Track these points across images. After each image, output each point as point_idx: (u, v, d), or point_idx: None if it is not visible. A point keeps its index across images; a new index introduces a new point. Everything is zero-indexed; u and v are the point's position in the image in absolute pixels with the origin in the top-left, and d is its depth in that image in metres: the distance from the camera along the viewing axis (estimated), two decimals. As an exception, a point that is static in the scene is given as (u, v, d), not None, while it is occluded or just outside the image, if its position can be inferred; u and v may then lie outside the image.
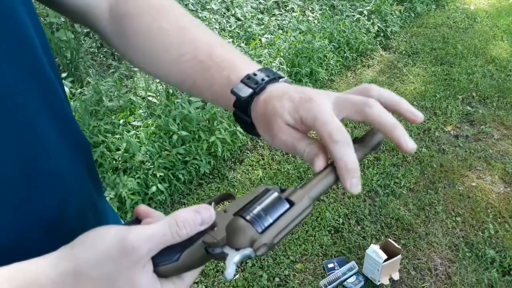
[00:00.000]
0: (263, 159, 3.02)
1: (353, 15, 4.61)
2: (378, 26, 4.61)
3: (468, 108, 3.59)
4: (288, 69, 3.66)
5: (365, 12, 4.69)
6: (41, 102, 0.56)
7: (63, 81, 0.64)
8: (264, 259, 2.33)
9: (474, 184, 2.83)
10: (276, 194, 0.46)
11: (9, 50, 0.51)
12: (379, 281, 2.19)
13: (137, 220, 0.57)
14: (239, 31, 4.09)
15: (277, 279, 2.25)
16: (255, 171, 2.91)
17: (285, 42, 3.91)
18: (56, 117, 0.60)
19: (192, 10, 4.15)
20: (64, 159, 0.60)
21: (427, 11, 5.37)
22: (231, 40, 3.84)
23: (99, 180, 0.74)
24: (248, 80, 0.57)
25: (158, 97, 3.04)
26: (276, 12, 4.54)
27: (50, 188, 0.57)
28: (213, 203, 0.52)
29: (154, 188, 2.57)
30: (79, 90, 3.16)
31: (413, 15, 5.19)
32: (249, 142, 3.13)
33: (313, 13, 4.58)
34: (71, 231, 0.61)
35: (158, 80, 3.02)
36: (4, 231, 0.53)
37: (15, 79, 0.52)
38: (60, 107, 0.62)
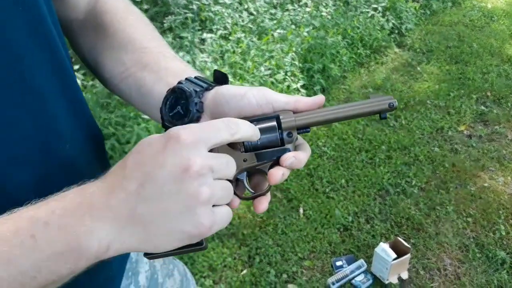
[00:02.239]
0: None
1: (367, 11, 4.56)
2: (393, 23, 4.56)
3: (482, 108, 3.54)
4: (300, 65, 3.63)
5: (379, 8, 4.63)
6: (59, 88, 0.58)
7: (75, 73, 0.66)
8: (272, 255, 2.33)
9: (486, 184, 2.79)
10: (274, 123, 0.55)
11: (29, 34, 0.52)
12: (387, 279, 2.17)
13: None
14: (251, 26, 4.07)
15: (284, 276, 2.25)
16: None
17: (297, 37, 3.88)
18: (72, 104, 0.61)
19: (205, 4, 4.14)
20: (79, 146, 0.61)
21: (443, 8, 5.29)
22: (243, 34, 3.83)
23: (108, 166, 0.75)
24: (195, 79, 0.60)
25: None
26: (289, 7, 4.51)
27: (64, 173, 0.58)
28: None
29: (163, 181, 2.58)
30: (90, 82, 3.18)
31: (428, 12, 5.12)
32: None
33: (326, 8, 4.54)
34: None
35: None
36: None
37: (35, 63, 0.53)
38: (76, 95, 0.63)
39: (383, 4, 4.68)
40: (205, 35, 3.74)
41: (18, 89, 0.51)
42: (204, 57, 3.41)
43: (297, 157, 0.54)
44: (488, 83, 3.81)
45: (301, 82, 3.47)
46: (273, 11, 4.39)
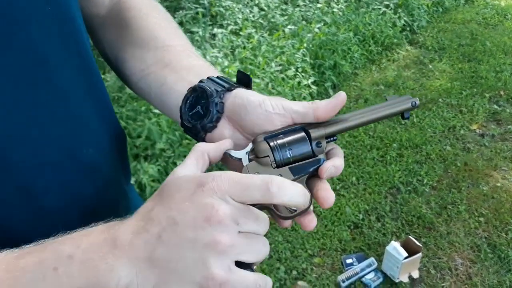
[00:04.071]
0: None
1: (379, 8, 4.52)
2: (405, 20, 4.52)
3: (495, 106, 3.50)
4: (312, 61, 3.61)
5: (391, 5, 4.59)
6: (85, 90, 0.57)
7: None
8: (282, 252, 2.32)
9: (499, 184, 2.76)
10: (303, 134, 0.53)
11: (57, 34, 0.51)
12: (398, 278, 2.16)
13: None
14: (262, 21, 4.06)
15: (294, 272, 2.24)
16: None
17: (308, 33, 3.86)
18: (98, 106, 0.60)
19: (216, -1, 4.12)
20: (103, 149, 0.61)
21: (455, 6, 5.23)
22: (254, 30, 3.81)
23: (129, 168, 0.74)
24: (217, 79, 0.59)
25: (180, 85, 3.03)
26: (300, 3, 4.48)
27: (89, 177, 0.57)
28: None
29: (174, 176, 2.58)
30: (102, 76, 3.18)
31: (441, 10, 5.06)
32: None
33: (338, 4, 4.51)
34: (104, 220, 0.62)
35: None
36: (45, 214, 0.53)
37: (61, 63, 0.52)
38: (102, 96, 0.62)
39: (395, 1, 4.64)
40: (215, 30, 3.73)
41: (44, 91, 0.50)
42: (215, 52, 3.40)
43: (335, 165, 0.51)
44: (502, 81, 3.77)
45: (312, 79, 3.45)
46: (284, 6, 4.37)
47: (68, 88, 0.53)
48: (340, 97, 0.52)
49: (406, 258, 2.10)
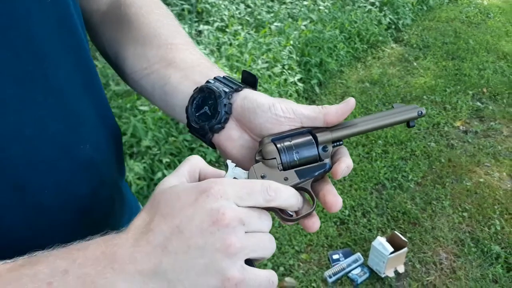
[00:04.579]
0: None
1: (365, 6, 4.56)
2: (390, 18, 4.56)
3: (478, 104, 3.55)
4: (298, 58, 3.62)
5: (377, 3, 4.63)
6: (82, 87, 0.56)
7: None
8: (268, 248, 2.32)
9: (481, 180, 2.80)
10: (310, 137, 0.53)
11: (55, 31, 0.51)
12: (384, 273, 2.18)
13: None
14: (248, 18, 4.05)
15: (281, 269, 2.24)
16: (262, 160, 2.90)
17: (295, 30, 3.86)
18: (94, 103, 0.59)
19: (202, -4, 4.11)
20: (99, 146, 0.60)
21: (439, 4, 5.30)
22: (240, 27, 3.80)
23: (124, 164, 0.73)
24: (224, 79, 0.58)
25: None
26: (287, 0, 4.49)
27: (84, 176, 0.57)
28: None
29: (160, 174, 2.56)
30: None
31: (425, 8, 5.12)
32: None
33: (324, 2, 4.53)
34: (100, 218, 0.61)
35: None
36: (40, 212, 0.52)
37: (59, 60, 0.51)
38: (98, 93, 0.61)
39: (380, -1, 4.68)
40: (201, 27, 3.71)
41: (40, 86, 0.49)
42: (201, 49, 3.39)
43: (348, 165, 0.52)
44: (484, 79, 3.83)
45: (298, 76, 3.46)
46: (270, 4, 4.37)
47: (65, 84, 0.52)
48: (349, 103, 0.52)
49: (392, 253, 2.12)
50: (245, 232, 0.42)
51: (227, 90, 0.55)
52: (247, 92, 0.56)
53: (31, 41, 0.48)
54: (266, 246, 0.44)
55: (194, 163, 0.48)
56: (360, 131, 0.55)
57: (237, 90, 0.55)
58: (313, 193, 0.52)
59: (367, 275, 2.20)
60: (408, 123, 0.57)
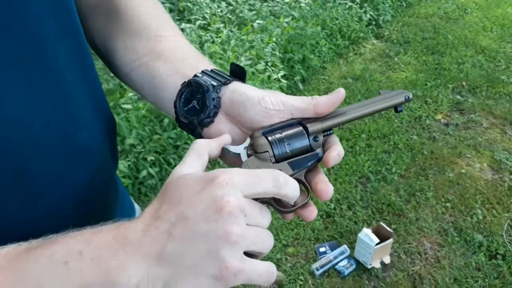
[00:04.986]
0: (255, 144, 3.01)
1: (345, 3, 4.60)
2: (370, 15, 4.61)
3: (458, 97, 3.62)
4: (281, 55, 3.63)
5: (357, 0, 4.67)
6: (79, 73, 0.55)
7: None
8: (256, 243, 2.33)
9: (463, 171, 2.86)
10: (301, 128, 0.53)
11: (52, 14, 0.50)
12: (370, 264, 2.21)
13: None
14: (230, 16, 4.06)
15: (269, 263, 2.25)
16: (247, 156, 2.90)
17: (277, 28, 3.88)
18: (91, 90, 0.59)
19: (183, -6, 4.09)
20: (95, 133, 0.59)
21: (418, 1, 5.38)
22: (222, 25, 3.80)
23: (117, 154, 0.73)
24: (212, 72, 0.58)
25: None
26: (268, -2, 4.51)
27: (81, 164, 0.56)
28: None
29: (144, 172, 2.55)
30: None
31: (404, 4, 5.19)
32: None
33: (305, -1, 4.55)
34: (96, 206, 0.61)
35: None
36: (38, 202, 0.52)
37: (56, 44, 0.51)
38: (95, 80, 0.61)
39: (360, -4, 4.73)
40: (183, 25, 3.70)
41: (38, 72, 0.49)
42: (184, 47, 3.37)
43: (339, 153, 0.52)
44: (463, 73, 3.90)
45: (281, 73, 3.47)
46: (251, 1, 4.38)
47: (62, 70, 0.52)
48: (340, 93, 0.53)
49: (377, 244, 2.15)
50: (246, 224, 0.42)
51: (215, 83, 0.55)
52: (235, 85, 0.55)
53: (28, 25, 0.47)
54: (266, 240, 0.44)
55: (199, 147, 0.48)
56: (349, 118, 0.55)
57: (225, 84, 0.55)
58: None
59: (353, 266, 2.22)
60: (396, 108, 0.57)
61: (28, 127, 0.48)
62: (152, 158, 2.60)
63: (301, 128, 0.53)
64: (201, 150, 0.48)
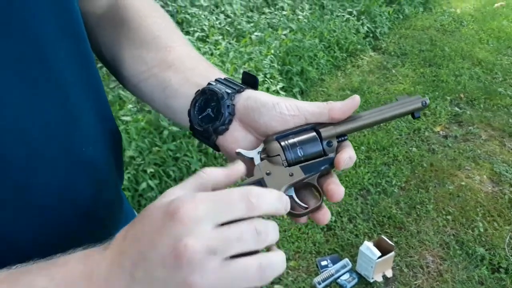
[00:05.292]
0: (255, 157, 3.00)
1: (343, 15, 4.63)
2: (368, 27, 4.64)
3: (457, 109, 3.63)
4: (279, 67, 3.64)
5: (354, 12, 4.71)
6: (84, 85, 0.55)
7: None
8: (256, 257, 2.30)
9: (463, 183, 2.85)
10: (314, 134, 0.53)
11: (56, 25, 0.49)
12: (372, 278, 2.19)
13: None
14: (228, 28, 4.07)
15: (270, 277, 2.23)
16: (247, 168, 2.89)
17: (275, 40, 3.89)
18: (96, 103, 0.58)
19: (182, 6, 4.10)
20: (100, 149, 0.59)
21: (415, 13, 5.42)
22: (221, 37, 3.81)
23: (123, 168, 0.72)
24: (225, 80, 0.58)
25: (149, 92, 2.99)
26: (266, 10, 4.53)
27: (86, 178, 0.55)
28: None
29: (144, 185, 2.52)
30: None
31: (401, 17, 5.23)
32: (240, 139, 3.11)
33: (303, 12, 4.58)
34: (100, 219, 0.60)
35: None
36: (42, 213, 0.51)
37: (62, 55, 0.50)
38: (100, 92, 0.60)
39: (357, 8, 4.77)
40: (182, 37, 3.70)
41: (43, 86, 0.48)
42: (183, 59, 3.37)
43: (350, 156, 0.51)
44: (461, 85, 3.92)
45: (280, 84, 3.48)
46: (250, 14, 4.40)
47: (62, 70, 0.51)
48: (355, 100, 0.52)
49: (379, 257, 2.13)
50: (224, 259, 0.37)
51: (229, 91, 0.54)
52: (249, 92, 0.55)
53: (27, 24, 0.46)
54: (250, 275, 0.37)
55: (204, 180, 0.43)
56: (364, 124, 0.55)
57: (239, 91, 0.55)
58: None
59: (355, 280, 2.20)
60: (413, 114, 0.56)
61: (31, 140, 0.47)
62: (152, 170, 2.58)
63: (314, 133, 0.53)
64: (205, 184, 0.43)
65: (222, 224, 0.38)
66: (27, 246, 0.45)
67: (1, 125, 0.44)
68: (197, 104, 0.56)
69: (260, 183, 0.49)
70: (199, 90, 0.56)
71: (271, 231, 0.40)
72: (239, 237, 0.38)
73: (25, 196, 0.48)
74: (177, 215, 0.37)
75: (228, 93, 0.54)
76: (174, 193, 0.41)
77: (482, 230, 2.51)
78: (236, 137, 0.55)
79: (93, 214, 0.57)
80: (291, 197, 0.51)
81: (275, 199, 0.41)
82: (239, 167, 0.46)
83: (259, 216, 0.40)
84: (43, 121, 0.49)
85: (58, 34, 0.50)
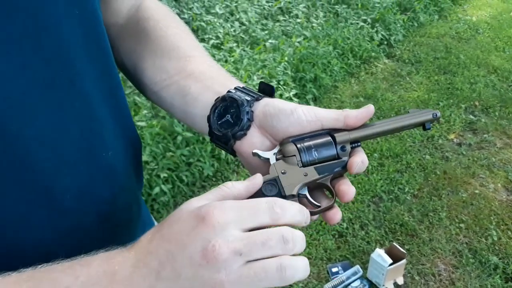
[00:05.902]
0: (267, 163, 3.01)
1: (357, 23, 4.64)
2: (382, 34, 4.64)
3: (471, 117, 3.60)
4: (293, 74, 3.67)
5: (369, 20, 4.71)
6: (106, 94, 0.58)
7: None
8: (267, 262, 2.32)
9: (477, 191, 2.83)
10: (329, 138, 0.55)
11: (83, 37, 0.52)
12: (383, 285, 2.18)
13: None
14: (243, 36, 4.11)
15: (280, 282, 2.24)
16: (259, 174, 2.91)
17: (289, 47, 3.92)
18: (117, 111, 0.61)
19: (197, 13, 4.17)
20: (120, 154, 0.61)
21: (430, 21, 5.40)
22: (235, 44, 3.86)
23: (142, 174, 0.75)
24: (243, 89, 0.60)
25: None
26: (281, 18, 4.56)
27: (105, 181, 0.58)
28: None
29: (157, 189, 2.56)
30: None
31: (416, 24, 5.22)
32: (253, 145, 3.13)
33: (317, 19, 4.60)
34: (118, 224, 0.62)
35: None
36: (63, 215, 0.53)
37: (85, 66, 0.53)
38: (121, 101, 0.63)
39: (372, 16, 4.77)
40: (197, 44, 3.75)
41: (67, 93, 0.51)
42: (197, 65, 3.42)
43: (363, 160, 0.54)
44: (476, 93, 3.89)
45: (293, 91, 3.50)
46: (264, 21, 4.44)
47: (90, 91, 0.54)
48: (369, 109, 0.55)
49: (391, 265, 2.13)
50: (247, 262, 0.40)
51: (248, 98, 0.57)
52: (267, 100, 0.58)
53: (61, 48, 0.49)
54: (272, 273, 0.40)
55: (226, 193, 0.46)
56: (377, 132, 0.57)
57: (257, 99, 0.58)
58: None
59: (366, 287, 2.19)
60: (424, 125, 0.59)
61: (55, 145, 0.50)
62: (165, 175, 2.62)
63: (329, 137, 0.55)
64: (226, 196, 0.46)
65: (250, 230, 0.42)
66: (50, 247, 0.47)
67: (33, 136, 0.47)
68: (216, 111, 0.58)
69: (276, 181, 0.52)
70: (219, 97, 0.59)
71: (299, 241, 0.43)
72: (264, 242, 0.41)
73: (47, 198, 0.51)
74: (207, 219, 0.40)
75: (247, 100, 0.57)
76: (199, 202, 0.44)
77: (495, 238, 2.48)
78: (253, 143, 0.57)
79: (112, 216, 0.60)
80: (304, 195, 0.54)
81: (297, 211, 0.45)
82: (257, 181, 0.49)
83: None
84: (69, 132, 0.52)
85: (87, 55, 0.53)
